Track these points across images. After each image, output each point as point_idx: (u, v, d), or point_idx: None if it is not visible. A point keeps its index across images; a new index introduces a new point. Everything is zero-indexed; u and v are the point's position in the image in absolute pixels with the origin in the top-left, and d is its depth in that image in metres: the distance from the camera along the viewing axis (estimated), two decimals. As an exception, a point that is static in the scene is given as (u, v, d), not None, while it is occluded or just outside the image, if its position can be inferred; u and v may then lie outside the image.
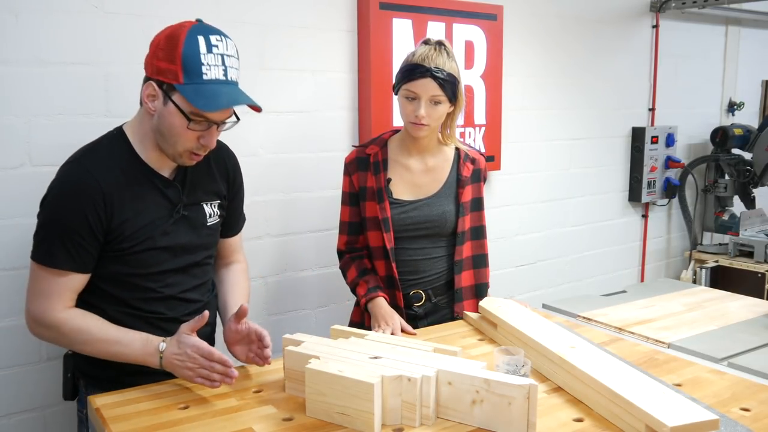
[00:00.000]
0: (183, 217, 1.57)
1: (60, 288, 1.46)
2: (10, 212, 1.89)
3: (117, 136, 1.54)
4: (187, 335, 1.42)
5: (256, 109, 1.51)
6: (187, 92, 1.40)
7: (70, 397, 1.65)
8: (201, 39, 1.41)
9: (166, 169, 1.56)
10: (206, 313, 1.43)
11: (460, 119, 2.01)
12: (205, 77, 1.41)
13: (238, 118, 1.52)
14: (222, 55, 1.43)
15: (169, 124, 1.45)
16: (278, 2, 2.35)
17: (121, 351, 1.45)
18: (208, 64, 1.41)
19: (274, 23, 2.35)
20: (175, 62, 1.40)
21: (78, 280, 1.48)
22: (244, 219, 1.84)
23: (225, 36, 1.46)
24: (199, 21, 1.47)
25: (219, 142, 1.72)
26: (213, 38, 1.43)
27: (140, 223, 1.50)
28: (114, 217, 1.46)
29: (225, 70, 1.44)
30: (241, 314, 1.52)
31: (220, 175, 1.69)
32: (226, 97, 1.44)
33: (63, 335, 1.47)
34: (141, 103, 1.51)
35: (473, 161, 1.99)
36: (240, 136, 2.29)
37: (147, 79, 1.47)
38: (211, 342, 1.74)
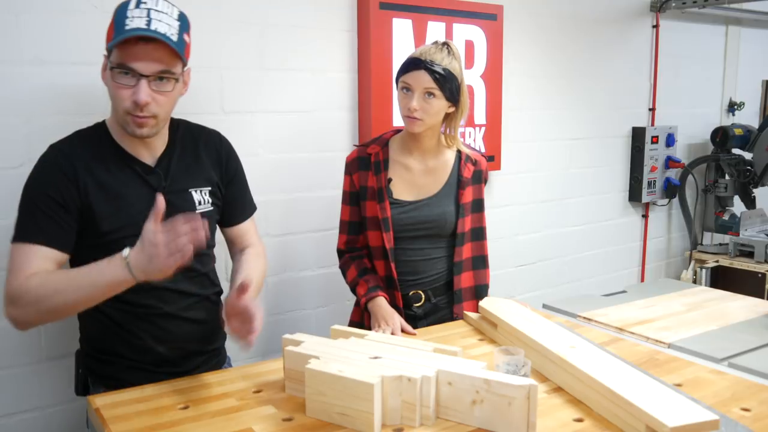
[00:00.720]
0: (167, 203, 1.56)
1: (27, 261, 1.40)
2: (10, 212, 1.88)
3: (98, 126, 1.57)
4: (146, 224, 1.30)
5: (173, 50, 1.45)
6: (110, 44, 1.43)
7: (82, 393, 1.64)
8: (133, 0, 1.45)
9: (147, 157, 1.56)
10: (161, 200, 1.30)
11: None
12: (126, 27, 1.41)
13: (175, 78, 1.47)
14: (148, 9, 1.44)
15: (108, 86, 1.47)
16: (278, 2, 2.35)
17: (88, 281, 1.35)
18: (132, 17, 1.42)
19: (274, 23, 2.35)
20: (110, 27, 1.45)
21: (50, 255, 1.43)
22: (253, 207, 1.81)
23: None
24: None
25: (210, 130, 1.72)
26: None
27: (118, 207, 1.50)
28: (88, 197, 1.47)
29: (148, 21, 1.43)
30: (242, 289, 1.43)
31: (211, 161, 1.68)
32: (131, 33, 1.40)
33: (29, 301, 1.37)
34: None
35: (474, 162, 1.99)
36: (240, 136, 2.29)
37: None
38: (213, 339, 1.73)
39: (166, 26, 1.45)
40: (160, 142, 1.58)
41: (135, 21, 1.42)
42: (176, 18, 1.48)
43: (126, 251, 1.32)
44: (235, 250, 1.78)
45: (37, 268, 1.41)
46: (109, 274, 1.33)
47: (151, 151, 1.57)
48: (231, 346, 2.22)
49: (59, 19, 1.92)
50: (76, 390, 1.65)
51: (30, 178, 1.50)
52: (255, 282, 1.59)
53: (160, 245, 1.25)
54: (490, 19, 2.85)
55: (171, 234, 1.26)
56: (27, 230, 1.44)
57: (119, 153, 1.53)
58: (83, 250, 1.50)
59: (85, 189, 1.47)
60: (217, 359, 1.74)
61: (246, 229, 1.79)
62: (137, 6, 1.44)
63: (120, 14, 1.44)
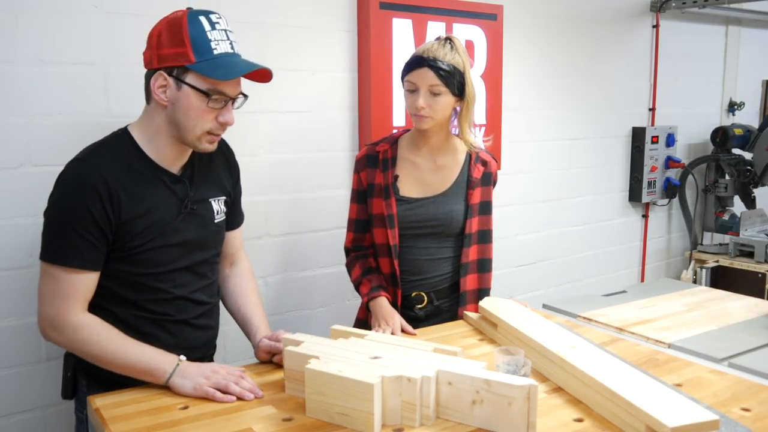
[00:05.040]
0: (192, 213, 1.56)
1: (73, 288, 1.43)
2: (10, 212, 1.89)
3: (122, 135, 1.53)
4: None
5: (267, 74, 1.53)
6: (203, 68, 1.43)
7: (69, 396, 1.64)
8: (203, 18, 1.45)
9: (174, 167, 1.55)
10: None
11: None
12: (215, 52, 1.45)
13: (245, 96, 1.54)
14: (225, 30, 1.48)
15: (186, 107, 1.45)
16: (278, 2, 2.35)
17: (130, 357, 1.44)
18: (215, 39, 1.45)
19: (274, 23, 2.35)
20: (183, 44, 1.43)
21: (89, 280, 1.45)
22: (243, 215, 1.83)
23: (222, 15, 1.51)
24: (190, 8, 1.49)
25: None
26: (213, 17, 1.48)
27: (150, 220, 1.49)
28: (122, 214, 1.45)
29: (231, 44, 1.49)
30: (276, 339, 1.60)
31: (224, 170, 1.69)
32: (242, 64, 1.49)
33: (75, 339, 1.44)
34: (148, 101, 1.51)
35: (484, 163, 1.98)
36: (240, 136, 2.29)
37: (152, 72, 1.47)
38: (213, 345, 1.73)
39: (238, 46, 1.51)
40: (187, 152, 1.57)
41: (221, 45, 1.46)
42: (232, 31, 1.52)
43: (183, 357, 1.47)
44: (225, 262, 1.78)
45: (85, 297, 1.46)
46: (153, 363, 1.44)
47: (179, 160, 1.56)
48: (231, 349, 2.22)
49: (59, 19, 1.92)
50: (63, 394, 1.64)
51: (61, 196, 1.44)
52: (264, 316, 1.75)
53: (217, 375, 1.43)
54: (490, 19, 2.85)
55: (234, 378, 1.43)
56: (65, 254, 1.42)
57: (147, 164, 1.51)
58: (108, 263, 1.49)
59: (119, 205, 1.44)
60: None
61: (237, 237, 1.80)
62: (213, 28, 1.46)
63: (198, 33, 1.43)
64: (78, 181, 1.44)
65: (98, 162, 1.46)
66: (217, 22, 1.47)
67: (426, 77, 1.81)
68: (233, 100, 1.51)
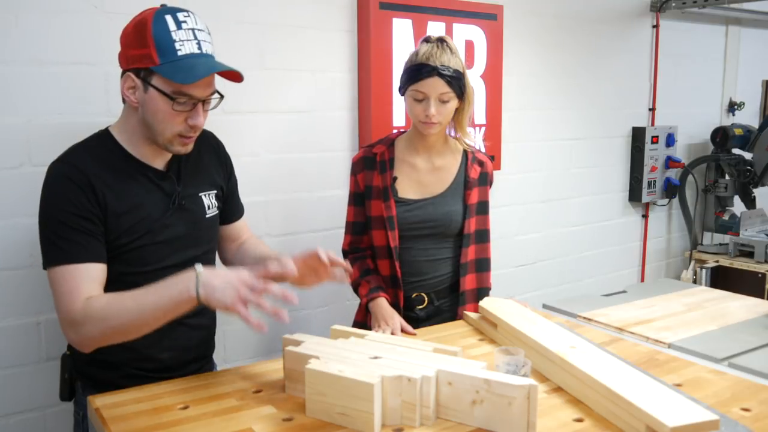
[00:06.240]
0: (181, 208, 1.55)
1: (77, 281, 1.38)
2: (10, 212, 1.89)
3: (103, 136, 1.52)
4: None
5: (237, 76, 1.47)
6: (165, 71, 1.38)
7: (67, 398, 1.64)
8: (169, 18, 1.40)
9: (159, 163, 1.54)
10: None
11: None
12: (179, 53, 1.39)
13: (221, 96, 1.50)
14: (192, 30, 1.42)
15: (154, 109, 1.42)
16: (278, 2, 2.35)
17: (154, 297, 1.33)
18: (180, 39, 1.39)
19: (274, 23, 2.35)
20: (147, 46, 1.39)
21: (94, 271, 1.41)
22: (242, 205, 1.82)
23: (192, 12, 1.45)
24: (163, 5, 1.45)
25: (205, 131, 1.69)
26: (180, 15, 1.42)
27: (137, 216, 1.48)
28: (108, 205, 1.43)
29: (198, 44, 1.43)
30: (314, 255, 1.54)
31: (214, 165, 1.68)
32: (203, 67, 1.41)
33: (96, 320, 1.35)
34: (123, 101, 1.50)
35: (481, 164, 1.98)
36: (240, 136, 2.29)
37: (123, 73, 1.45)
38: (210, 344, 1.73)
39: (209, 45, 1.46)
40: None
41: (186, 45, 1.40)
42: (208, 32, 1.47)
43: (199, 267, 1.33)
44: (234, 245, 1.78)
45: (92, 287, 1.39)
46: (174, 289, 1.32)
47: (162, 156, 1.54)
48: (231, 349, 2.22)
49: (59, 19, 1.92)
50: (61, 396, 1.63)
51: (46, 198, 1.43)
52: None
53: (243, 286, 1.28)
54: (490, 19, 2.85)
55: (261, 287, 1.30)
56: (65, 251, 1.39)
57: (130, 161, 1.50)
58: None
59: (104, 199, 1.43)
60: (208, 365, 1.74)
61: (244, 225, 1.80)
62: (179, 27, 1.40)
63: (162, 33, 1.38)
64: (56, 178, 1.43)
65: (78, 161, 1.44)
66: (184, 21, 1.41)
67: (436, 86, 1.80)
68: (203, 101, 1.46)
